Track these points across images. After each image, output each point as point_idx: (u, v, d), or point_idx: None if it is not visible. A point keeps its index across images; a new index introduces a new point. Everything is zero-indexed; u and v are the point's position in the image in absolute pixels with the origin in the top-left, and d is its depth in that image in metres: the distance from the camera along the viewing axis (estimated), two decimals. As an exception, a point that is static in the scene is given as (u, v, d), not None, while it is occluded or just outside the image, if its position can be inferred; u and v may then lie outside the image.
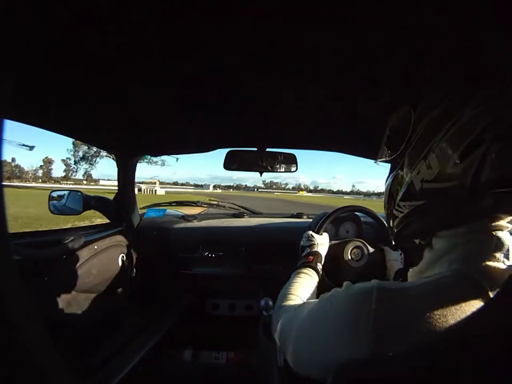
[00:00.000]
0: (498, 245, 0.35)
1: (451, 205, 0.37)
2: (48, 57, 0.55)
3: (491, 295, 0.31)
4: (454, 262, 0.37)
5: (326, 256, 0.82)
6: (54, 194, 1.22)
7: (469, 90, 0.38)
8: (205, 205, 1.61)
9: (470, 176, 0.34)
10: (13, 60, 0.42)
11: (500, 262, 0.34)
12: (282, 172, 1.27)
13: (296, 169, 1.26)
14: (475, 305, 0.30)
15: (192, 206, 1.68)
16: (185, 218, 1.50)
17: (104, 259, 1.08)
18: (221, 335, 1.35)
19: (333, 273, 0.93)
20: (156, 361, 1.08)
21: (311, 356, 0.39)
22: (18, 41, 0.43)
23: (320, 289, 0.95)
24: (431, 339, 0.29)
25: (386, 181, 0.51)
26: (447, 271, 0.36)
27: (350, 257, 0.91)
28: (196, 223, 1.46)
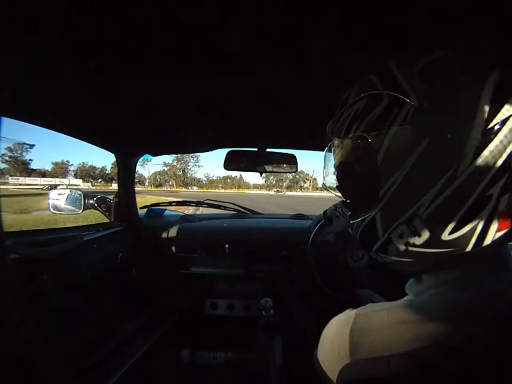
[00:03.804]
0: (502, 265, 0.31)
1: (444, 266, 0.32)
2: (49, 56, 0.55)
3: (489, 323, 0.27)
4: (444, 284, 0.32)
5: (323, 259, 0.80)
6: (54, 193, 1.21)
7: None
8: (205, 205, 1.61)
9: (474, 239, 0.28)
10: (13, 59, 0.43)
11: (499, 283, 0.30)
12: (282, 172, 1.27)
13: (296, 169, 1.26)
14: (457, 333, 0.27)
15: (192, 206, 1.68)
16: (185, 218, 1.50)
17: (103, 258, 1.08)
18: (220, 335, 1.35)
19: (332, 277, 0.95)
20: (154, 361, 1.08)
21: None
22: (19, 40, 0.43)
23: (320, 298, 0.94)
24: (403, 363, 0.28)
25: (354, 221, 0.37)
26: (435, 294, 0.32)
27: (350, 258, 0.91)
28: (195, 223, 1.46)
